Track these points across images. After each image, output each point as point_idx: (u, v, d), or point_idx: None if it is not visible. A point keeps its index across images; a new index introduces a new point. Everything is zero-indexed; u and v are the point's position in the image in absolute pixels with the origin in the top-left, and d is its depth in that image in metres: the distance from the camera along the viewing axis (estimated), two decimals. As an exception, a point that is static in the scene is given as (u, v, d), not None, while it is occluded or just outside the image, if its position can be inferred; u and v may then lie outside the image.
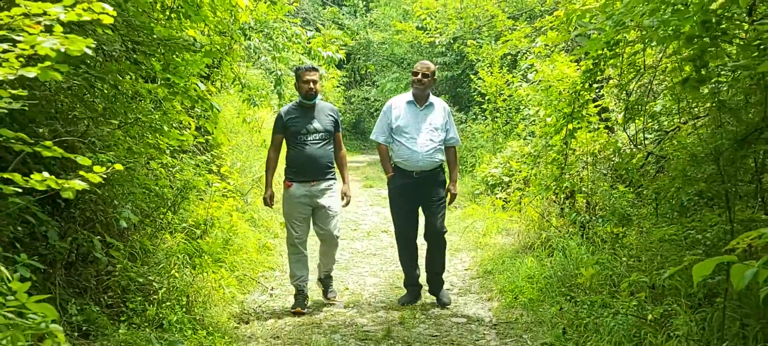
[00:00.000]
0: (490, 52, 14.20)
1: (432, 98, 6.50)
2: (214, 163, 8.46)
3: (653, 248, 5.00)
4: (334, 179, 6.40)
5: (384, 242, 9.27)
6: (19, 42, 2.51)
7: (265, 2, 9.39)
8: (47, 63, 2.48)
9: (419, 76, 6.37)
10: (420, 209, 6.57)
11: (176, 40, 4.78)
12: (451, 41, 16.13)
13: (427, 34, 15.41)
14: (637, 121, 6.65)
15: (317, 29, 15.35)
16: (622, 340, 4.52)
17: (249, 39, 9.26)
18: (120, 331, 4.76)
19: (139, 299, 5.17)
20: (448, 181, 6.63)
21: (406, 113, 6.40)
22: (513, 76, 12.81)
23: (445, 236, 6.53)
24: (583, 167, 7.89)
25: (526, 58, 11.23)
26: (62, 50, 2.45)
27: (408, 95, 6.52)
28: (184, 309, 5.40)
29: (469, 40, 15.02)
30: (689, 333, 3.99)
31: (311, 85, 6.19)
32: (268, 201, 6.40)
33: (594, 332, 4.86)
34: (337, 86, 21.98)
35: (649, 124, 6.72)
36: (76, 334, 4.59)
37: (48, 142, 2.79)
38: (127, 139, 5.42)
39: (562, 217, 7.98)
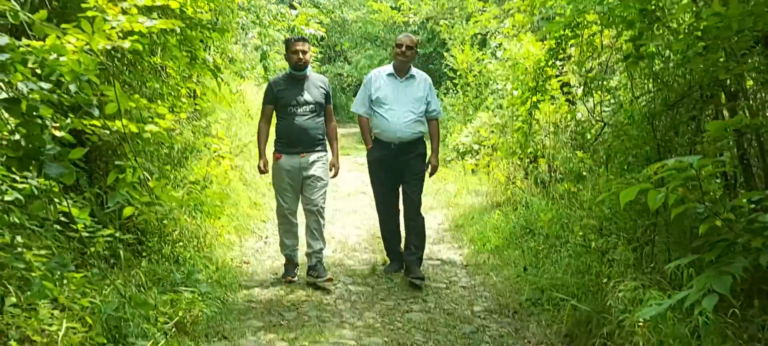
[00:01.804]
0: (462, 32, 14.99)
1: (413, 70, 6.48)
2: (209, 128, 9.17)
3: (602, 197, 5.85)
4: (325, 151, 6.29)
5: (363, 201, 10.09)
6: (108, 21, 3.23)
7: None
8: (135, 36, 3.20)
9: (403, 49, 6.35)
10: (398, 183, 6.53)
11: (195, 19, 5.47)
12: (425, 21, 16.89)
13: (402, 13, 16.19)
14: (594, 95, 7.42)
15: (292, 6, 16.07)
16: (573, 270, 5.41)
17: (233, 16, 9.98)
18: (142, 264, 5.50)
19: (156, 239, 5.92)
20: (429, 153, 6.59)
21: (387, 85, 6.39)
22: (483, 54, 13.60)
23: (422, 212, 6.54)
24: (546, 135, 8.78)
25: (495, 37, 12.07)
26: (150, 25, 3.18)
27: (389, 67, 6.50)
28: (195, 248, 6.17)
29: (442, 20, 15.80)
30: (626, 260, 4.88)
31: (300, 55, 6.09)
32: (262, 168, 6.33)
33: (550, 266, 5.73)
34: (312, 62, 22.64)
35: (606, 97, 7.52)
36: (104, 264, 5.33)
37: (136, 96, 3.54)
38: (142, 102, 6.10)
39: (526, 179, 8.87)
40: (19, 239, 3.58)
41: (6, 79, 2.32)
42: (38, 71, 2.56)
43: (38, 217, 3.87)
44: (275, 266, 6.65)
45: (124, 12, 3.43)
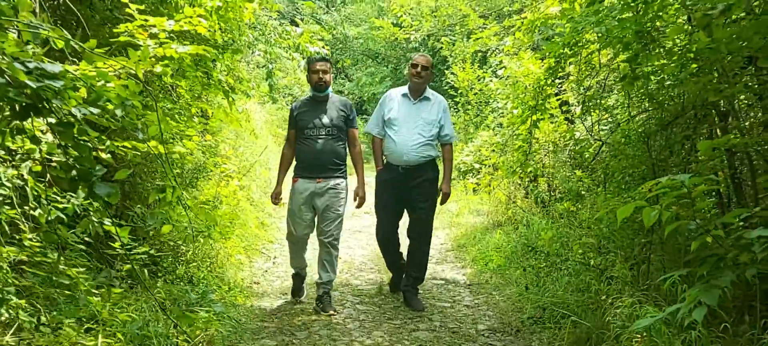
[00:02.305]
0: (463, 49, 15.22)
1: (429, 92, 6.31)
2: (217, 147, 9.38)
3: (600, 215, 6.05)
4: (343, 177, 6.08)
5: (367, 221, 10.27)
6: (140, 46, 3.45)
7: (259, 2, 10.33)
8: (165, 61, 3.42)
9: (418, 69, 6.19)
10: (405, 210, 6.42)
11: (212, 41, 5.69)
12: (426, 38, 17.12)
13: (403, 30, 16.41)
14: (592, 113, 7.60)
15: (294, 23, 16.31)
16: (573, 288, 5.60)
17: (242, 35, 10.21)
18: (157, 285, 5.69)
19: (170, 259, 6.11)
20: (440, 178, 6.39)
21: (400, 106, 6.24)
22: (483, 72, 13.81)
23: (429, 241, 6.39)
24: (546, 154, 9.00)
25: (496, 55, 12.28)
26: (183, 51, 3.40)
27: (404, 88, 6.35)
28: (208, 269, 6.36)
29: (443, 37, 16.03)
30: (624, 278, 5.07)
31: (321, 75, 5.98)
32: (274, 199, 6.24)
33: (551, 284, 5.93)
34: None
35: (604, 116, 7.71)
36: (123, 285, 5.53)
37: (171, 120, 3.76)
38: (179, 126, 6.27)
39: (526, 198, 9.07)
40: (60, 256, 3.81)
41: (61, 105, 2.52)
42: (84, 96, 2.76)
43: (80, 235, 4.12)
44: (284, 286, 6.84)
45: (151, 36, 3.65)
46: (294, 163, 6.19)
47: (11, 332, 3.65)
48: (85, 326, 3.86)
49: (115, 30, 3.72)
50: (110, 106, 2.85)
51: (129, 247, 4.68)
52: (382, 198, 6.39)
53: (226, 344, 5.05)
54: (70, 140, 2.68)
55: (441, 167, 6.42)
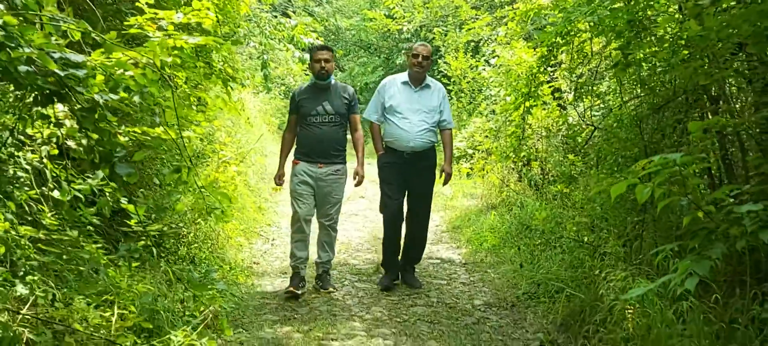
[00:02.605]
0: (455, 39, 15.36)
1: (428, 80, 6.44)
2: (214, 134, 9.51)
3: (593, 194, 6.22)
4: (343, 162, 6.24)
5: (362, 205, 10.45)
6: (150, 38, 3.57)
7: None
8: (176, 52, 3.54)
9: (419, 59, 6.30)
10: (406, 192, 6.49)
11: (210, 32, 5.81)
12: (418, 28, 17.25)
13: (395, 21, 16.54)
14: (585, 100, 7.78)
15: (286, 15, 16.43)
16: (567, 264, 5.77)
17: (239, 26, 10.35)
18: (161, 265, 5.82)
19: (173, 241, 6.25)
20: (440, 162, 6.57)
21: (401, 93, 6.35)
22: (476, 61, 13.97)
23: (427, 224, 6.63)
24: (538, 139, 9.16)
25: (489, 44, 12.44)
26: (194, 42, 3.53)
27: (403, 75, 6.47)
28: (209, 250, 6.50)
29: (435, 27, 16.16)
30: (617, 254, 5.24)
31: (323, 63, 6.07)
32: (278, 180, 6.34)
33: (545, 261, 6.10)
34: (306, 69, 23.05)
35: (596, 102, 7.88)
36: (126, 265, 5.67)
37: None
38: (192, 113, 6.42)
39: (520, 181, 9.25)
40: (79, 234, 3.97)
41: (84, 92, 2.66)
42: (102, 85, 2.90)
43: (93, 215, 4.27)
44: (284, 266, 6.98)
45: (160, 29, 3.78)
46: (294, 146, 6.31)
47: (27, 306, 3.79)
48: (103, 298, 4.01)
49: (125, 23, 3.85)
50: (128, 94, 2.99)
51: (144, 223, 4.84)
52: (386, 175, 6.42)
53: (230, 319, 5.20)
54: (92, 125, 2.81)
55: (440, 153, 6.57)
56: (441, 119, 6.42)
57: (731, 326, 3.93)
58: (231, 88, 6.96)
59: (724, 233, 3.45)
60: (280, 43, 12.49)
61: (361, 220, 9.52)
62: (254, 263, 7.10)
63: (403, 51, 21.70)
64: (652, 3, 4.96)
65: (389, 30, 17.52)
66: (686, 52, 4.68)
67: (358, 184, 6.38)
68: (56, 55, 2.66)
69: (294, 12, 21.04)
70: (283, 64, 16.44)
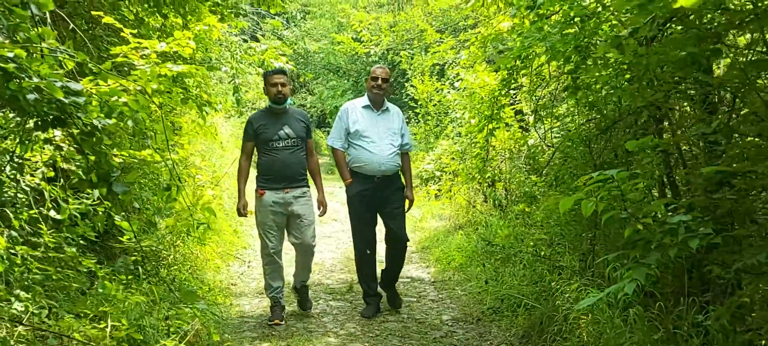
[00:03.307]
0: (421, 63, 15.76)
1: (387, 103, 6.47)
2: (190, 159, 9.79)
3: (545, 206, 6.61)
4: (307, 186, 6.22)
5: (335, 227, 10.79)
6: (136, 68, 3.91)
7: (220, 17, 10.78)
8: (161, 79, 3.87)
9: (379, 82, 6.33)
10: (378, 217, 6.49)
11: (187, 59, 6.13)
12: (385, 52, 17.64)
13: (363, 45, 16.93)
14: (545, 121, 8.12)
15: (255, 39, 16.75)
16: (527, 280, 6.15)
17: (211, 52, 10.66)
18: (142, 286, 6.09)
19: (154, 263, 6.52)
20: (405, 187, 6.52)
21: (364, 118, 6.34)
22: (442, 84, 14.37)
23: (406, 242, 6.53)
24: (502, 160, 9.56)
25: (453, 68, 12.85)
26: (177, 70, 3.87)
27: (363, 100, 6.48)
28: (189, 271, 6.79)
29: (402, 51, 16.56)
30: (573, 267, 5.63)
31: (279, 87, 6.03)
32: (242, 211, 6.20)
33: (509, 278, 6.47)
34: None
35: (555, 124, 8.25)
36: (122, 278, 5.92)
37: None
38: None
39: (485, 202, 9.64)
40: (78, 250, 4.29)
41: (84, 117, 2.97)
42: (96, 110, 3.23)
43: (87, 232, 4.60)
44: (259, 287, 7.27)
45: (143, 56, 4.11)
46: (257, 175, 6.22)
47: (25, 319, 4.06)
48: (99, 309, 4.31)
49: (111, 51, 4.19)
50: (122, 119, 3.32)
51: (138, 239, 5.14)
52: (358, 209, 6.38)
53: (211, 336, 5.49)
54: (90, 147, 3.13)
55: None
56: (402, 142, 6.43)
57: (675, 332, 4.32)
58: (205, 112, 7.25)
59: (659, 243, 3.83)
60: (250, 66, 12.82)
61: (334, 242, 9.84)
62: (232, 284, 7.40)
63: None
64: (597, 31, 5.36)
65: (357, 53, 17.87)
66: (628, 75, 5.08)
67: (322, 213, 6.39)
68: (59, 84, 2.96)
69: (263, 36, 21.31)
70: (253, 88, 16.75)
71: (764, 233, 3.92)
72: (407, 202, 6.49)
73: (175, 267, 6.66)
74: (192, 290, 4.32)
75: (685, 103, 5.32)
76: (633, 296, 4.58)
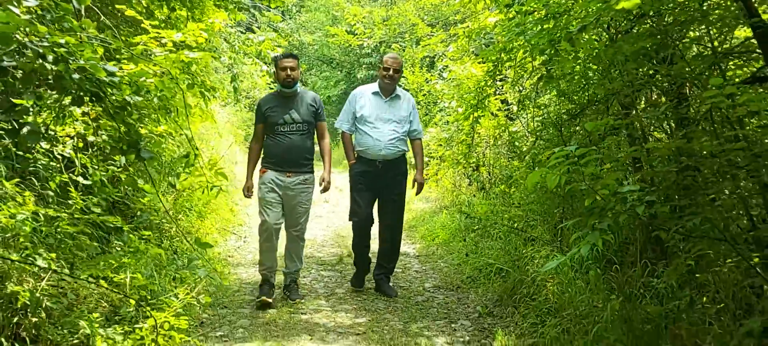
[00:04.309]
0: (412, 55, 16.27)
1: (398, 90, 6.55)
2: (193, 141, 10.28)
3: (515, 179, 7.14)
4: (311, 172, 6.22)
5: (326, 208, 11.34)
6: (155, 55, 4.44)
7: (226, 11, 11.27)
8: (178, 65, 4.41)
9: (390, 72, 6.43)
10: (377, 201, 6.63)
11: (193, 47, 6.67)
12: (378, 44, 18.15)
13: (357, 37, 17.42)
14: (528, 110, 8.62)
15: (251, 30, 17.23)
16: (503, 251, 6.70)
17: (214, 42, 11.16)
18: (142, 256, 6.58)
19: (157, 234, 7.04)
20: (411, 172, 6.79)
21: (371, 103, 6.45)
22: (431, 75, 14.88)
23: (401, 232, 6.75)
24: (487, 147, 10.10)
25: (442, 60, 13.36)
26: (193, 56, 4.40)
27: (374, 86, 6.57)
28: (190, 243, 7.30)
29: (393, 43, 17.06)
30: (544, 237, 6.19)
31: (289, 72, 6.04)
32: (246, 192, 6.28)
33: (487, 250, 7.03)
34: (270, 83, 23.85)
35: (538, 113, 8.76)
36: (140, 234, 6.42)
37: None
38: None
39: (470, 185, 10.19)
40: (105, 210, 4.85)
41: (118, 94, 3.50)
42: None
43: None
44: (256, 258, 7.77)
45: (161, 45, 4.64)
46: (262, 156, 6.27)
47: (46, 277, 4.58)
48: (122, 262, 4.85)
49: (133, 40, 4.73)
50: (147, 96, 3.87)
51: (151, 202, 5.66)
52: (358, 184, 6.52)
53: (212, 298, 6.02)
54: (122, 120, 3.65)
55: (411, 162, 6.85)
56: (411, 129, 6.55)
57: (625, 290, 4.87)
58: (208, 98, 7.76)
59: (611, 209, 4.37)
60: (246, 57, 13.31)
61: (325, 221, 10.39)
62: (229, 256, 7.92)
63: (364, 66, 22.60)
64: (568, 26, 5.90)
65: (350, 45, 18.35)
66: (595, 67, 5.62)
67: (324, 190, 6.37)
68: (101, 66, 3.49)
69: (259, 28, 21.74)
70: (248, 78, 17.26)
71: (702, 202, 4.46)
72: (417, 185, 6.71)
73: (177, 239, 7.17)
74: (206, 243, 4.72)
75: (655, 92, 5.87)
76: (594, 261, 5.18)
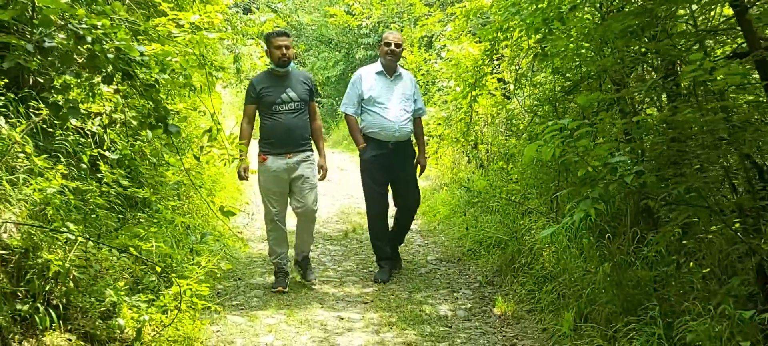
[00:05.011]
0: (410, 34, 16.49)
1: (399, 69, 6.51)
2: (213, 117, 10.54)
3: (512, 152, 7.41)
4: (311, 150, 6.12)
5: (331, 187, 11.61)
6: (177, 36, 4.73)
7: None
8: (194, 44, 4.69)
9: (392, 47, 6.35)
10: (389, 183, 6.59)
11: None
12: (376, 24, 18.36)
13: (355, 17, 17.63)
14: (524, 89, 8.86)
15: (249, 10, 17.45)
16: (501, 224, 7.01)
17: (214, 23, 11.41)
18: (161, 228, 6.89)
19: (170, 212, 7.33)
20: (417, 152, 6.72)
21: (378, 84, 6.37)
22: (429, 55, 15.12)
23: (416, 211, 6.87)
24: (485, 125, 10.38)
25: (440, 39, 13.59)
26: (212, 37, 4.69)
27: (376, 66, 6.48)
28: (201, 219, 7.61)
29: (392, 23, 17.28)
30: (540, 209, 6.50)
31: (284, 50, 5.90)
32: (243, 173, 6.03)
33: (486, 225, 7.33)
34: (269, 64, 24.04)
35: (534, 91, 9.00)
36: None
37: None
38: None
39: (469, 163, 10.47)
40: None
41: (147, 73, 3.79)
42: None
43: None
44: (264, 234, 8.09)
45: (178, 26, 4.93)
46: (259, 139, 6.16)
47: (74, 248, 4.87)
48: (151, 230, 5.17)
49: (154, 21, 5.00)
50: (173, 74, 4.16)
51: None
52: (373, 173, 6.45)
53: (226, 270, 6.30)
54: (150, 97, 3.94)
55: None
56: (416, 107, 6.53)
57: (616, 258, 5.17)
58: (215, 78, 7.99)
59: (602, 179, 4.66)
60: (245, 37, 13.55)
61: (330, 199, 10.68)
62: (238, 232, 8.22)
63: (362, 46, 22.79)
64: (561, 8, 6.16)
65: (349, 26, 18.55)
66: (587, 45, 5.89)
67: (322, 177, 6.29)
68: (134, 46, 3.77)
69: (257, 9, 21.89)
70: (247, 58, 17.51)
71: (688, 172, 4.75)
72: (419, 167, 6.70)
73: (189, 215, 7.47)
74: (230, 211, 4.91)
75: (648, 68, 6.14)
76: (587, 231, 5.48)
